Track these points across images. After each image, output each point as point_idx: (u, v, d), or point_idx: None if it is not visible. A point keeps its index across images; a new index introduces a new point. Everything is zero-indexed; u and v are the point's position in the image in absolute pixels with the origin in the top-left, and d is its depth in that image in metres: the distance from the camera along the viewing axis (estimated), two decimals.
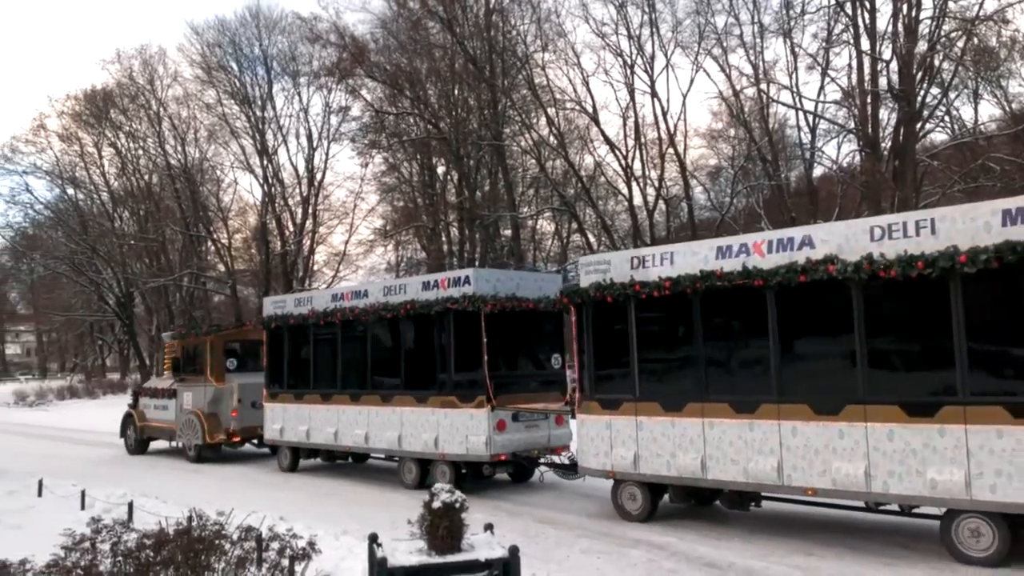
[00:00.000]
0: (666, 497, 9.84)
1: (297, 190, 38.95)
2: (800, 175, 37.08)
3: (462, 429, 11.38)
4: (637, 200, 36.46)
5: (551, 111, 35.63)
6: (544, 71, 35.62)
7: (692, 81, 31.93)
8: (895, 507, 8.34)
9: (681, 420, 9.19)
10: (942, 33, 28.12)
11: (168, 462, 16.84)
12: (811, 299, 8.38)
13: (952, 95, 31.38)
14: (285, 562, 5.78)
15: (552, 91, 35.76)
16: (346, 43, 36.22)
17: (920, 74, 28.56)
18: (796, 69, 32.50)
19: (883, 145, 30.31)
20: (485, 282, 11.45)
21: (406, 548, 6.02)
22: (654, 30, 34.66)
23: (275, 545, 5.82)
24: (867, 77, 29.57)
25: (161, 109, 40.03)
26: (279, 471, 14.79)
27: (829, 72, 31.90)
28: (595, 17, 34.83)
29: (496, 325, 11.45)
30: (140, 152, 41.60)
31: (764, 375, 8.62)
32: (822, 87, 31.81)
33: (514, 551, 5.94)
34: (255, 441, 16.23)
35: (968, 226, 7.45)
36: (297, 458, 14.58)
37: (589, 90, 35.25)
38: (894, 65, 28.35)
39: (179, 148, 40.12)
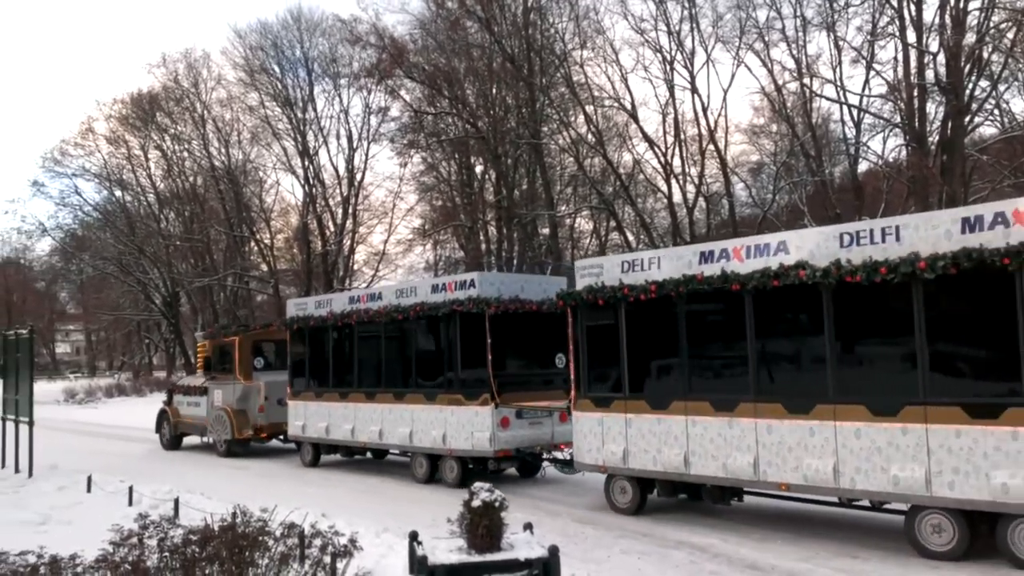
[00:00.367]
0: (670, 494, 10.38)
1: (337, 190, 40.23)
2: (844, 171, 36.97)
3: (468, 426, 12.17)
4: (677, 197, 36.70)
5: (589, 109, 36.02)
6: (582, 69, 36.03)
7: (733, 76, 32.50)
8: (866, 503, 8.84)
9: (666, 417, 9.83)
10: (991, 24, 27.90)
11: (210, 459, 17.80)
12: (785, 303, 8.98)
13: (1002, 88, 30.99)
14: (327, 559, 5.93)
15: (590, 88, 36.18)
16: (385, 44, 37.12)
17: (968, 66, 28.40)
18: (840, 63, 32.28)
19: (930, 139, 30.09)
20: (489, 285, 12.23)
21: (446, 546, 6.12)
22: (694, 25, 34.77)
23: (317, 542, 6.00)
24: (913, 70, 29.41)
25: (205, 112, 41.67)
26: (318, 469, 15.46)
27: (874, 65, 31.73)
28: (634, 13, 35.15)
29: (501, 326, 12.21)
30: (185, 154, 43.35)
31: (742, 375, 9.24)
32: (867, 81, 31.69)
33: (554, 551, 6.00)
34: (281, 437, 17.23)
35: (930, 233, 7.96)
36: (318, 454, 15.56)
37: (628, 87, 35.51)
38: (941, 58, 28.16)
39: (223, 150, 41.72)
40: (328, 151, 40.29)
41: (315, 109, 39.84)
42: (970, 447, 7.68)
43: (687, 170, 36.85)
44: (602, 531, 9.65)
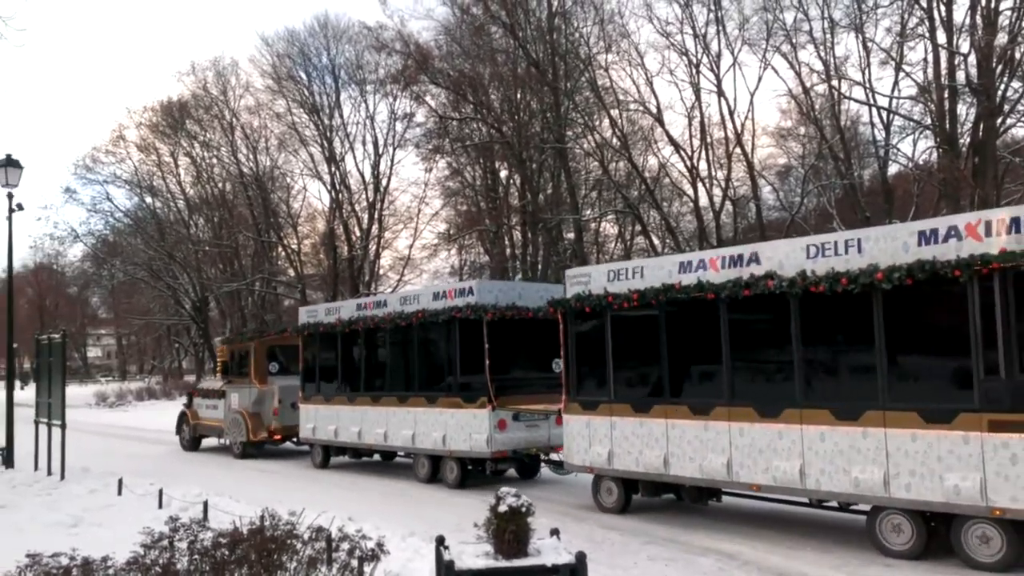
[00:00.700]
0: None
1: (363, 196, 41.16)
2: (874, 173, 37.03)
3: (466, 428, 12.88)
4: (703, 201, 36.89)
5: (614, 112, 36.36)
6: (607, 72, 36.42)
7: (760, 79, 32.79)
8: (834, 504, 9.37)
9: (648, 421, 10.45)
10: (1023, 25, 27.93)
11: (235, 462, 18.57)
12: (756, 311, 9.56)
13: None
14: (354, 562, 6.03)
15: (615, 92, 36.55)
16: (410, 50, 37.92)
17: (1000, 67, 28.42)
18: (869, 64, 32.30)
19: (961, 141, 30.14)
20: (487, 293, 12.93)
21: (473, 551, 6.18)
22: (720, 28, 35.01)
23: (345, 546, 6.12)
24: (944, 71, 29.47)
25: (234, 119, 42.87)
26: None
27: (904, 67, 31.77)
28: (659, 16, 35.58)
29: (499, 332, 12.92)
30: (214, 161, 44.61)
31: (717, 380, 9.84)
32: (896, 82, 31.66)
33: (581, 557, 6.05)
34: (294, 439, 18.06)
35: (889, 245, 8.49)
36: (328, 455, 16.40)
37: (653, 90, 36.00)
38: (972, 58, 28.17)
39: (251, 157, 42.88)
40: (354, 157, 41.31)
41: (341, 115, 40.89)
42: (925, 451, 8.20)
43: (713, 173, 37.08)
44: (628, 537, 9.86)
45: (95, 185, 46.02)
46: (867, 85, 32.24)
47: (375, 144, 40.54)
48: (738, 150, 35.62)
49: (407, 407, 14.05)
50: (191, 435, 20.73)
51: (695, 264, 10.08)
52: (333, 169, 40.50)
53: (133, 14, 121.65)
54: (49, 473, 15.66)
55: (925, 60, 30.74)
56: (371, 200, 40.51)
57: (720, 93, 34.81)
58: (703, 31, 34.92)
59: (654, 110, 35.83)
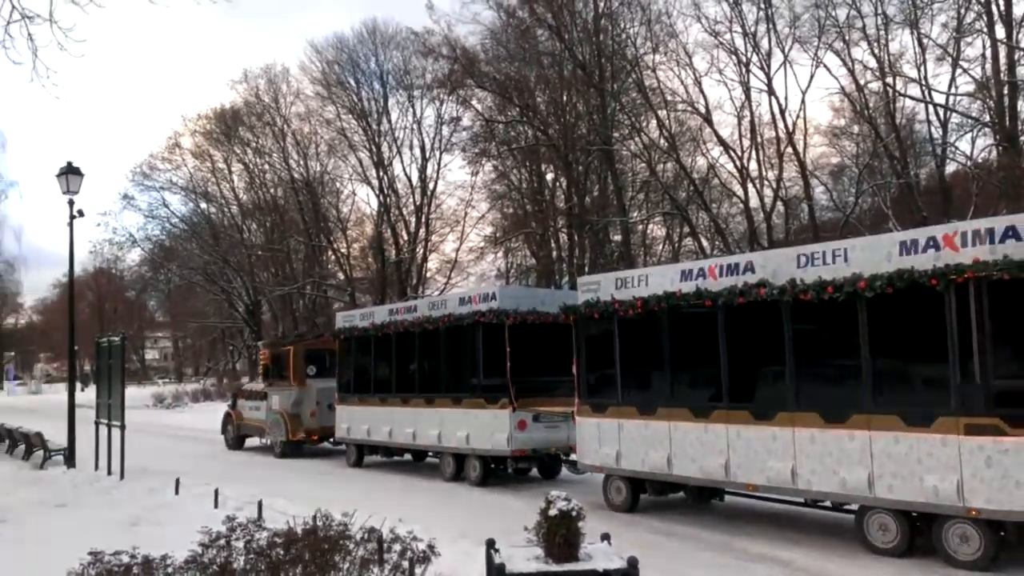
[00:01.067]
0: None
1: (411, 200, 42.25)
2: (931, 172, 36.67)
3: (488, 428, 13.67)
4: (753, 202, 36.89)
5: (662, 113, 36.58)
6: (654, 73, 36.67)
7: (812, 77, 32.83)
8: (828, 503, 9.88)
9: (653, 423, 11.08)
10: None
11: (285, 462, 19.38)
12: (751, 318, 10.13)
13: None
14: (405, 564, 6.17)
15: (663, 93, 36.83)
16: (457, 55, 38.74)
17: None
18: (924, 61, 32.12)
19: (1022, 139, 29.89)
20: (510, 299, 13.73)
21: (523, 555, 6.26)
22: (770, 26, 34.98)
23: (396, 547, 6.28)
24: (1003, 67, 29.32)
25: (285, 125, 44.39)
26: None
27: (961, 63, 31.54)
28: (708, 16, 35.67)
29: (521, 336, 13.69)
30: (266, 167, 46.21)
31: (716, 384, 10.41)
32: (953, 79, 31.38)
33: (633, 563, 6.05)
34: (331, 440, 19.05)
35: (873, 255, 9.01)
36: (362, 455, 17.34)
37: (702, 90, 36.03)
38: None
39: (302, 162, 44.34)
40: (402, 161, 42.32)
41: (389, 120, 42.05)
42: (906, 452, 8.70)
43: (764, 174, 37.03)
44: (680, 542, 10.01)
45: (152, 191, 48.12)
46: (923, 82, 32.09)
47: (422, 148, 41.69)
48: (789, 149, 35.55)
49: (434, 407, 14.93)
50: (235, 435, 22.01)
51: (695, 272, 10.67)
52: (381, 173, 41.70)
53: (188, 24, 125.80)
54: (109, 473, 16.24)
55: (983, 56, 30.54)
56: (418, 204, 41.60)
57: (771, 92, 34.83)
58: (753, 29, 34.95)
59: (703, 110, 35.92)
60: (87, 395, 32.33)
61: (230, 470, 17.89)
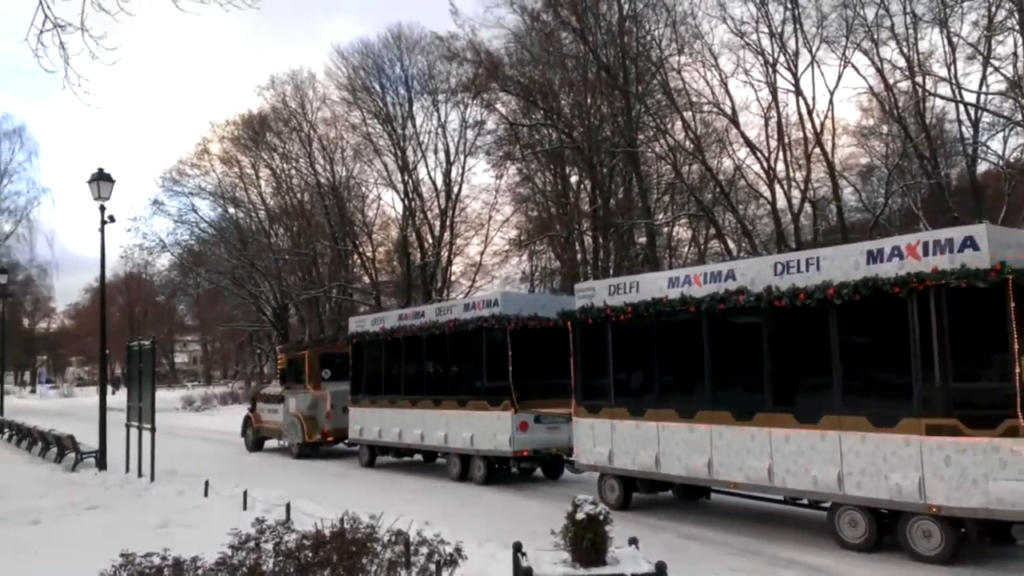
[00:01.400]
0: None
1: (435, 203, 43.15)
2: (962, 172, 36.69)
3: (491, 429, 14.45)
4: (781, 203, 37.00)
5: (687, 115, 36.79)
6: (679, 74, 36.85)
7: (840, 77, 32.94)
8: (805, 501, 10.49)
9: (642, 423, 11.77)
10: None
11: (308, 464, 20.14)
12: (732, 324, 10.79)
13: None
14: (432, 567, 6.27)
15: (688, 94, 37.05)
16: (481, 59, 39.45)
17: None
18: (954, 60, 32.15)
19: None
20: (512, 304, 14.50)
21: (550, 559, 6.29)
22: (797, 26, 35.07)
23: (423, 550, 6.36)
24: None
25: (311, 131, 45.48)
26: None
27: (992, 61, 31.61)
28: (734, 16, 35.84)
29: (523, 341, 14.46)
30: (293, 172, 47.36)
31: (700, 386, 11.07)
32: (984, 78, 31.38)
33: (661, 567, 6.09)
34: (346, 441, 19.95)
35: (843, 263, 9.63)
36: (374, 455, 18.22)
37: (727, 91, 36.23)
38: None
39: (328, 167, 45.45)
40: (426, 165, 43.21)
41: (414, 125, 42.95)
42: (873, 452, 9.31)
43: (792, 174, 37.09)
44: (707, 547, 10.22)
45: (181, 197, 49.42)
46: (953, 81, 32.21)
47: (447, 152, 42.56)
48: (817, 150, 35.63)
49: (440, 410, 15.76)
50: (254, 437, 23.09)
51: (682, 280, 11.35)
52: (406, 178, 42.62)
53: (217, 32, 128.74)
54: (140, 475, 16.67)
55: (1015, 54, 30.58)
56: (443, 207, 42.47)
57: (798, 92, 35.00)
58: (779, 30, 35.06)
59: (729, 111, 36.06)
60: (118, 398, 33.10)
61: (248, 471, 18.68)
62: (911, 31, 33.19)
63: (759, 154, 36.53)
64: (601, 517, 6.20)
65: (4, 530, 11.88)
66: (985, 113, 32.49)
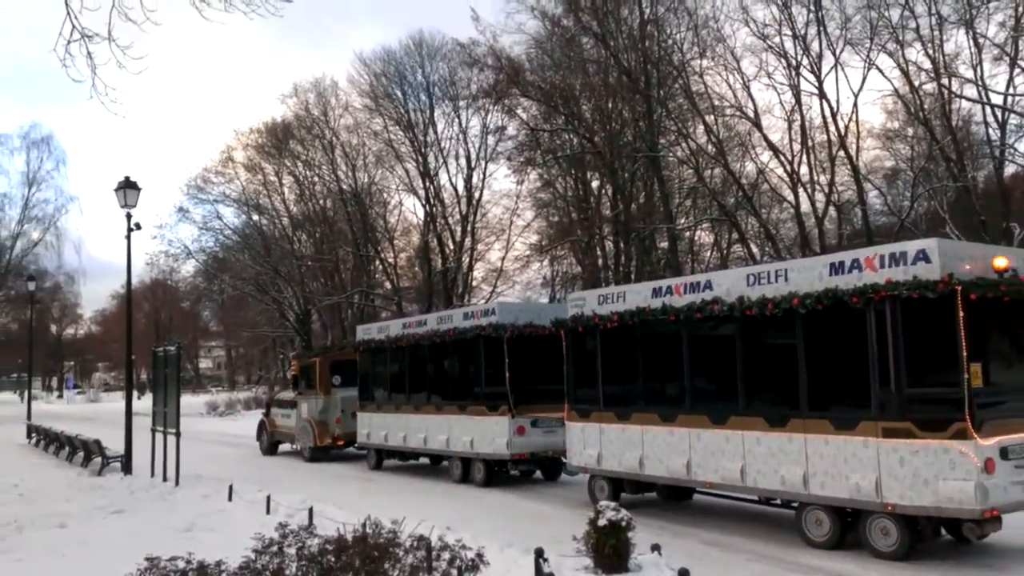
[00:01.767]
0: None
1: (456, 209, 44.17)
2: (989, 175, 36.89)
3: (490, 433, 15.35)
4: (805, 207, 37.33)
5: (709, 119, 37.26)
6: (701, 78, 37.34)
7: (864, 79, 33.00)
8: (778, 501, 11.26)
9: (628, 427, 12.62)
10: None
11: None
12: (709, 332, 11.62)
13: None
14: (454, 572, 6.42)
15: (710, 98, 37.51)
16: (502, 65, 40.28)
17: None
18: (981, 61, 32.39)
19: None
20: (508, 313, 15.40)
21: (572, 565, 6.54)
22: (821, 28, 35.40)
23: (445, 555, 6.52)
24: None
25: (334, 138, 46.68)
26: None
27: (1019, 62, 31.91)
28: (756, 19, 36.29)
29: (520, 348, 15.34)
30: (315, 179, 48.63)
31: (680, 392, 11.89)
32: (1011, 79, 31.58)
33: (684, 574, 6.23)
34: (355, 445, 20.95)
35: (808, 275, 10.43)
36: (381, 458, 19.16)
37: (750, 95, 36.59)
38: None
39: (350, 174, 46.62)
40: (448, 171, 44.23)
41: (435, 131, 44.03)
42: (835, 453, 10.08)
43: (816, 178, 37.33)
44: (730, 553, 10.48)
45: (206, 204, 50.87)
46: (979, 83, 32.53)
47: (468, 158, 43.58)
48: (842, 153, 35.86)
49: (442, 415, 16.73)
50: (269, 441, 24.29)
51: (664, 290, 12.19)
52: (427, 184, 43.66)
53: (241, 41, 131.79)
54: (164, 479, 17.34)
55: None
56: (464, 213, 43.46)
57: (822, 95, 35.33)
58: (803, 32, 35.38)
59: (752, 114, 36.42)
60: (144, 403, 34.32)
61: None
62: (936, 32, 33.51)
63: (782, 157, 36.88)
64: (623, 523, 6.41)
65: (32, 533, 12.44)
66: (1012, 115, 32.78)
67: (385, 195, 48.02)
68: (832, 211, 38.09)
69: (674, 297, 11.93)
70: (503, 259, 44.15)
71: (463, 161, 43.72)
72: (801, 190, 37.14)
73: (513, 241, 44.16)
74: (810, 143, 36.84)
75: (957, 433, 9.09)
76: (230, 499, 14.43)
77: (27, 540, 11.98)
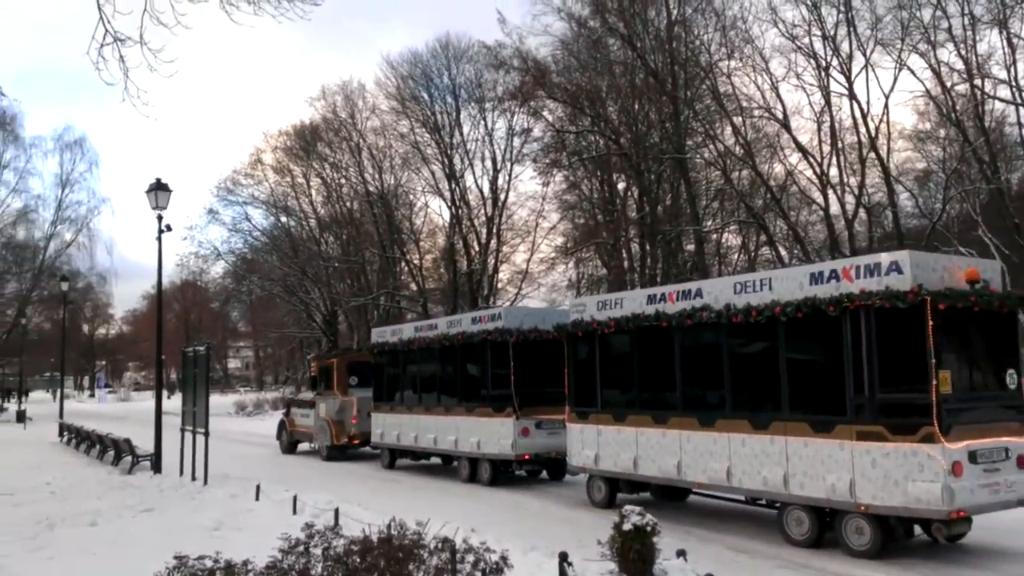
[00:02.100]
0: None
1: (482, 211, 45.12)
2: (1023, 177, 37.02)
3: (496, 434, 16.20)
4: (834, 209, 37.55)
5: (737, 120, 37.62)
6: (729, 79, 37.63)
7: (895, 80, 32.95)
8: (764, 501, 11.94)
9: (623, 428, 13.37)
10: None
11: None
12: (699, 338, 12.31)
13: None
14: (478, 575, 6.49)
15: (738, 99, 37.83)
16: (528, 67, 40.97)
17: None
18: (1015, 61, 32.48)
19: None
20: (513, 318, 16.23)
21: (597, 569, 6.52)
22: (851, 29, 35.68)
23: (470, 558, 6.58)
24: None
25: (361, 140, 47.81)
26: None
27: None
28: (785, 19, 36.59)
29: (527, 352, 16.17)
30: (343, 181, 49.84)
31: (672, 395, 12.62)
32: None
33: None
34: (371, 444, 21.88)
35: (790, 284, 11.12)
36: (394, 458, 20.07)
37: (779, 96, 37.00)
38: None
39: (377, 176, 47.75)
40: (473, 173, 45.14)
41: (461, 133, 44.99)
42: (813, 455, 10.76)
43: (845, 180, 37.60)
44: (757, 559, 10.60)
45: (235, 206, 52.18)
46: (1013, 83, 32.71)
47: (493, 160, 44.47)
48: (872, 155, 36.08)
49: (451, 416, 17.63)
50: (288, 440, 25.43)
51: (658, 297, 12.92)
52: (453, 185, 44.61)
53: (270, 44, 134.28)
54: (193, 478, 17.60)
55: None
56: (489, 215, 44.35)
57: (852, 96, 35.59)
58: (832, 32, 35.69)
59: (780, 116, 36.73)
60: (173, 403, 35.38)
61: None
62: (969, 32, 33.74)
63: (811, 159, 37.16)
64: (648, 528, 6.45)
65: (63, 531, 12.81)
66: None
67: (411, 197, 49.21)
68: (862, 213, 38.27)
69: (667, 304, 12.66)
70: (528, 261, 45.11)
71: (489, 163, 44.72)
72: (831, 192, 37.41)
73: (538, 243, 45.08)
74: (840, 144, 37.08)
75: (925, 437, 9.72)
76: (257, 498, 14.86)
77: (58, 538, 12.36)
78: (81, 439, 28.27)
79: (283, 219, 52.94)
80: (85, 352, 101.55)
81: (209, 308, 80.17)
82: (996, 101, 35.09)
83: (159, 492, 16.78)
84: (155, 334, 23.31)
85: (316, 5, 9.40)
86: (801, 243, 38.50)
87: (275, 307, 58.96)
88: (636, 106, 40.56)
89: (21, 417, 46.26)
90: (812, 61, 36.44)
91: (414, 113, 45.33)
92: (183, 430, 18.74)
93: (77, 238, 58.12)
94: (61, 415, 39.69)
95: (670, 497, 13.57)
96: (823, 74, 36.31)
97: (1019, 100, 33.02)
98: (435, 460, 19.91)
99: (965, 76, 34.10)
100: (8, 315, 57.15)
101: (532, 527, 12.54)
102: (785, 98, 39.12)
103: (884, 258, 10.34)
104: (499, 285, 45.74)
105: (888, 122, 36.84)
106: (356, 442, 22.44)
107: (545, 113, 42.16)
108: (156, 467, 19.83)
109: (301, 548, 6.52)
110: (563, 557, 6.72)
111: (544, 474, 17.49)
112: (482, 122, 44.64)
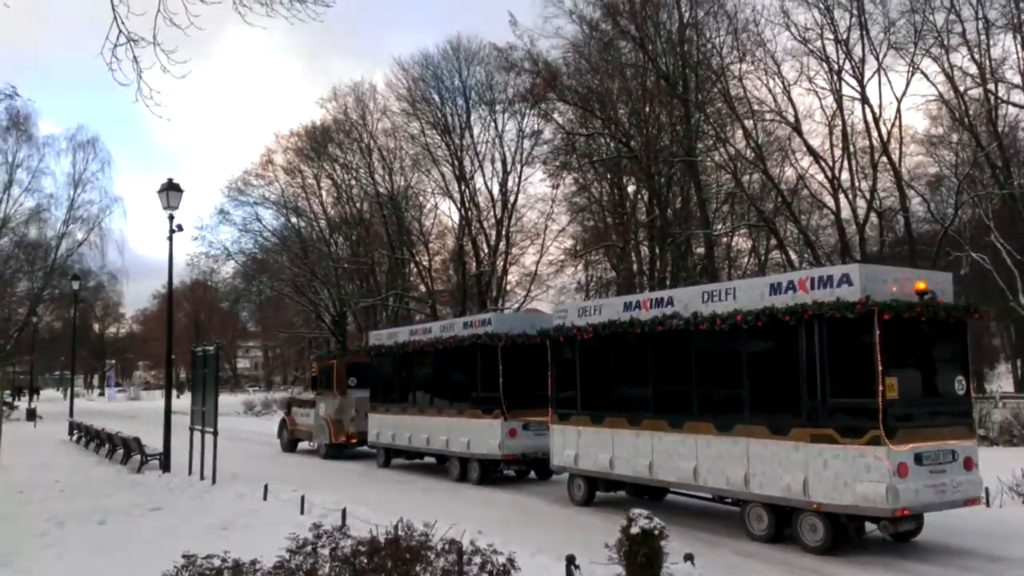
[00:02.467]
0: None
1: (492, 213, 46.11)
2: None
3: (484, 435, 17.19)
4: (845, 213, 38.04)
5: (748, 123, 38.11)
6: (740, 83, 38.21)
7: (908, 84, 33.24)
8: (731, 499, 12.84)
9: (601, 430, 14.31)
10: None
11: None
12: (669, 344, 13.22)
13: None
14: None
15: (749, 103, 38.30)
16: (539, 69, 41.83)
17: None
18: None
19: None
20: (502, 323, 17.17)
21: (604, 573, 6.58)
22: (864, 32, 36.18)
23: (476, 560, 6.64)
24: None
25: (371, 141, 49.06)
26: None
27: None
28: (797, 23, 37.15)
29: (515, 356, 17.10)
30: (353, 182, 51.14)
31: (645, 398, 13.54)
32: None
33: None
34: (367, 444, 22.93)
35: (752, 294, 12.04)
36: (390, 457, 21.11)
37: (790, 99, 37.67)
38: None
39: (387, 177, 48.99)
40: (483, 175, 46.19)
41: (471, 135, 46.12)
42: (771, 456, 11.67)
43: (857, 184, 38.03)
44: (767, 565, 10.69)
45: (246, 207, 53.44)
46: None
47: (503, 162, 45.54)
48: (884, 159, 36.52)
49: (443, 417, 18.65)
50: (289, 438, 26.62)
51: (634, 304, 13.84)
52: (463, 187, 45.71)
53: (282, 45, 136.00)
54: (202, 478, 17.94)
55: None
56: (499, 217, 45.42)
57: (864, 100, 36.15)
58: (845, 36, 36.18)
59: (792, 119, 37.26)
60: (183, 402, 36.07)
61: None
62: (983, 37, 34.39)
63: (823, 163, 37.67)
64: (656, 532, 6.55)
65: (72, 529, 13.13)
66: None
67: (421, 198, 50.42)
68: (874, 218, 38.79)
69: (641, 312, 13.59)
70: (537, 263, 46.12)
71: (499, 165, 45.82)
72: (842, 196, 37.96)
73: (548, 245, 46.04)
74: (851, 148, 37.62)
75: (872, 439, 10.59)
76: (265, 498, 15.13)
77: (67, 536, 12.65)
78: (91, 438, 29.03)
79: (293, 220, 54.29)
80: (95, 351, 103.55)
81: (219, 308, 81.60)
82: (1010, 106, 35.66)
83: (167, 491, 17.20)
84: (165, 333, 23.90)
85: (328, 6, 9.66)
86: (812, 247, 39.00)
87: (284, 307, 60.21)
88: (647, 109, 41.15)
89: (31, 415, 47.43)
90: (824, 64, 37.05)
91: (425, 115, 46.50)
92: (192, 429, 19.12)
93: (89, 237, 59.31)
94: (71, 413, 40.68)
95: (652, 496, 14.52)
96: (835, 78, 36.90)
97: None
98: (429, 460, 20.87)
99: (978, 80, 34.70)
100: (20, 313, 58.51)
101: (540, 530, 12.94)
102: (797, 101, 39.50)
103: (836, 271, 11.22)
104: (508, 287, 46.82)
105: (900, 126, 37.36)
106: (354, 441, 23.53)
107: (555, 115, 43.07)
108: (165, 466, 20.25)
109: (309, 548, 6.69)
110: (570, 560, 6.91)
111: (532, 474, 18.42)
112: (492, 124, 45.78)
